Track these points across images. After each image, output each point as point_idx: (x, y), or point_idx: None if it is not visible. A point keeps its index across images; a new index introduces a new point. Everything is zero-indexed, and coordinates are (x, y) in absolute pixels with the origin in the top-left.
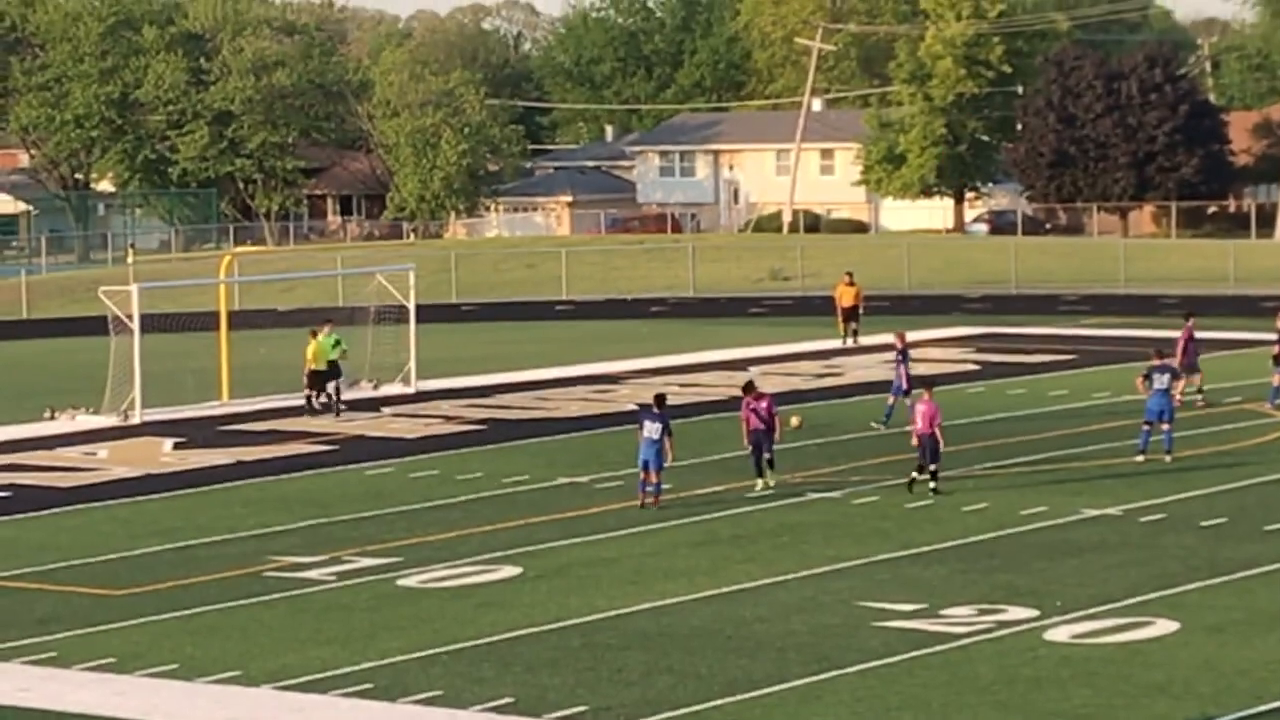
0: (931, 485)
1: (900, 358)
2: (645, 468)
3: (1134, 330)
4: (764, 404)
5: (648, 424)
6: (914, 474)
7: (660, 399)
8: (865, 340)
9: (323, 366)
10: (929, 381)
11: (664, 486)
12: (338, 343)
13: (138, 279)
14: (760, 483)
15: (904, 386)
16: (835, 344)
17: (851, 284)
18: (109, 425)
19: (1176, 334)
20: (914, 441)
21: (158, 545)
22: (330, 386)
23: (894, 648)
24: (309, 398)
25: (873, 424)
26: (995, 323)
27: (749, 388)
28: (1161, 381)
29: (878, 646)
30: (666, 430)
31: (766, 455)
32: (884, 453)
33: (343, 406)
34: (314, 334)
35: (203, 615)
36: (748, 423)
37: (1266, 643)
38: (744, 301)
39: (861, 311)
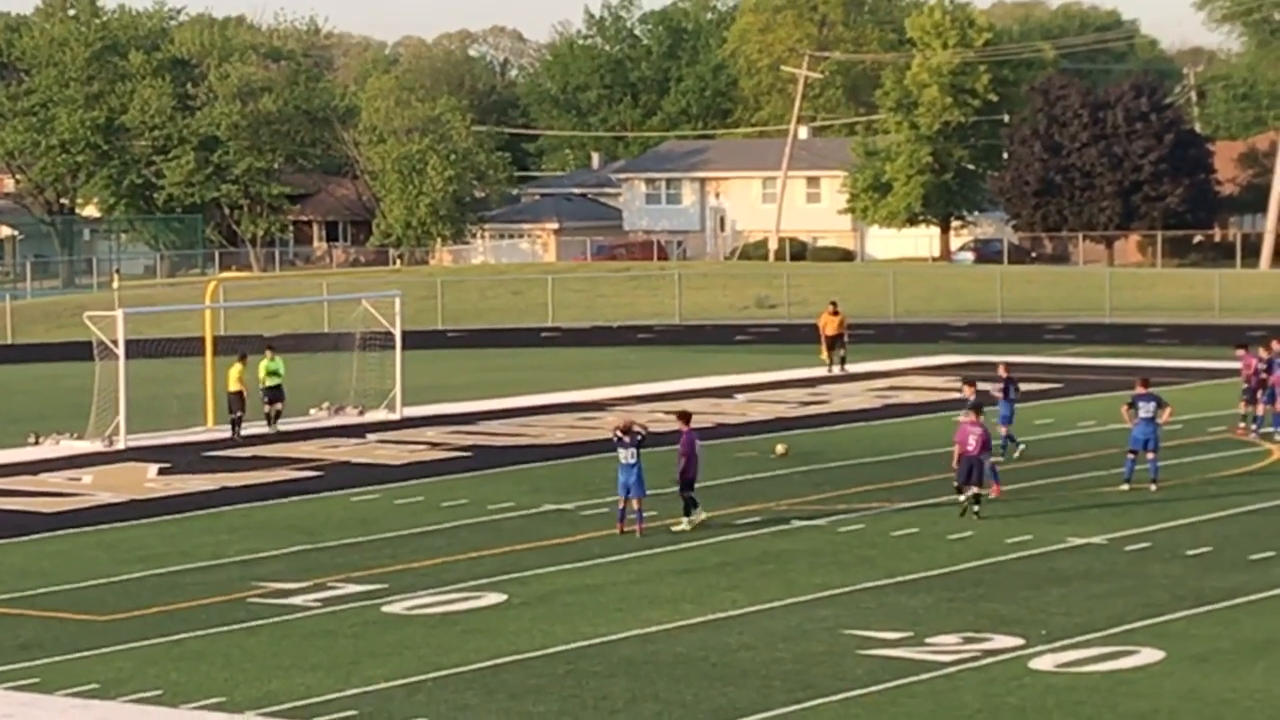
0: (976, 508)
1: (1005, 387)
2: (626, 494)
3: (1119, 359)
4: (683, 438)
5: (621, 451)
6: (961, 498)
7: (627, 428)
8: (851, 368)
9: (236, 388)
10: (979, 405)
11: (647, 514)
12: (275, 371)
13: (123, 304)
14: (684, 521)
15: (1008, 415)
16: (820, 372)
17: (836, 313)
18: (93, 450)
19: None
20: (955, 463)
21: (142, 571)
22: (270, 410)
23: (879, 676)
24: (237, 422)
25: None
26: (981, 351)
27: (683, 416)
28: (1146, 410)
29: (863, 675)
30: (640, 451)
31: (686, 493)
32: (870, 481)
33: (275, 430)
34: (242, 359)
35: (187, 641)
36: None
37: (1251, 672)
38: (730, 329)
39: (846, 340)
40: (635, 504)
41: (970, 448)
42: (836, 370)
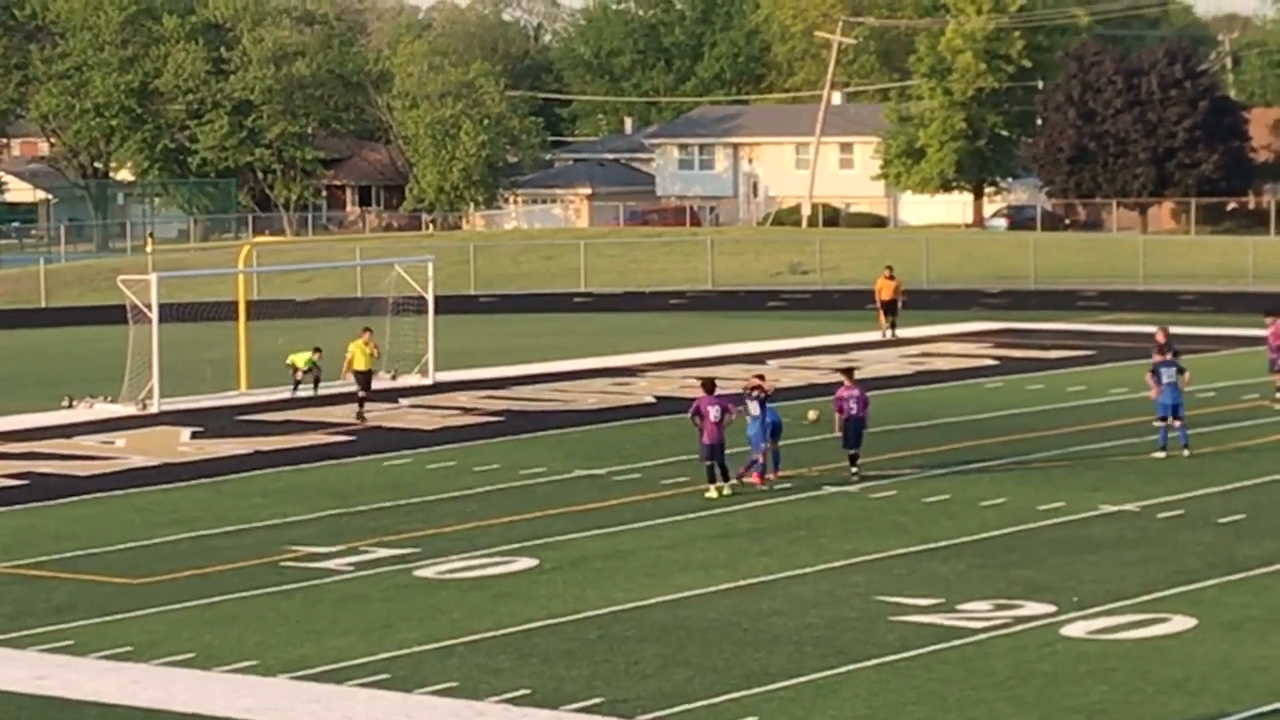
0: (854, 470)
1: (1163, 349)
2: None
3: (1152, 327)
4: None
5: (750, 404)
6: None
7: (755, 385)
8: (900, 333)
9: (364, 367)
10: (850, 370)
11: (682, 479)
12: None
13: (156, 268)
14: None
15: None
16: (853, 338)
17: (891, 278)
18: (127, 414)
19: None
20: (839, 429)
21: (175, 534)
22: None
23: (910, 642)
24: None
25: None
26: (1014, 318)
27: (709, 385)
28: (1169, 376)
29: (894, 641)
30: (727, 412)
31: (709, 460)
32: (901, 447)
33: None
34: (365, 330)
35: (220, 605)
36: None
37: None
38: (762, 295)
39: (900, 305)
40: (759, 456)
41: (852, 411)
42: (889, 335)
